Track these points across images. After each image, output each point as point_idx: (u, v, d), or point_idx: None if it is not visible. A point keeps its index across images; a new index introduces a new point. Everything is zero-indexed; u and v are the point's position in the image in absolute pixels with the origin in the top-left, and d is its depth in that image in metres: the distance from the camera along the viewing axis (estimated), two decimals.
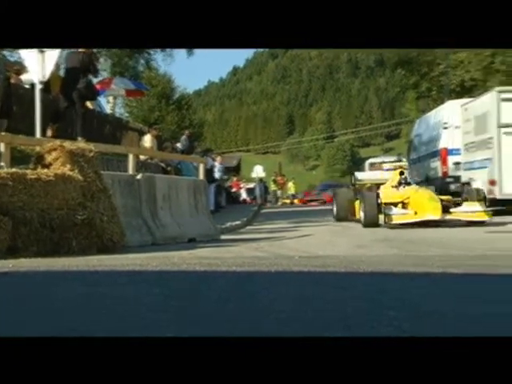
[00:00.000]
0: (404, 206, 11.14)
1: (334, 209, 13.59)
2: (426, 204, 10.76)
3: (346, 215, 12.92)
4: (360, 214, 11.47)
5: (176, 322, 2.12)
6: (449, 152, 16.27)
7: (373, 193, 11.78)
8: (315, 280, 3.48)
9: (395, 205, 11.07)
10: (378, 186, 13.26)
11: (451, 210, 10.89)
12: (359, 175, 15.33)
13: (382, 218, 10.75)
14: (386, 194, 11.61)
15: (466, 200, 11.27)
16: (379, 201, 11.06)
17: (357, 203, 12.24)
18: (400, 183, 12.06)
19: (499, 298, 2.73)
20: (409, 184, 12.22)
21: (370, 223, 10.79)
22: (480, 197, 11.42)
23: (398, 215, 10.72)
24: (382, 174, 15.31)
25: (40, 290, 3.09)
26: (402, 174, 12.36)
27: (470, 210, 10.80)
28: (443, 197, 11.62)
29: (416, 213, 10.65)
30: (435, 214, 10.51)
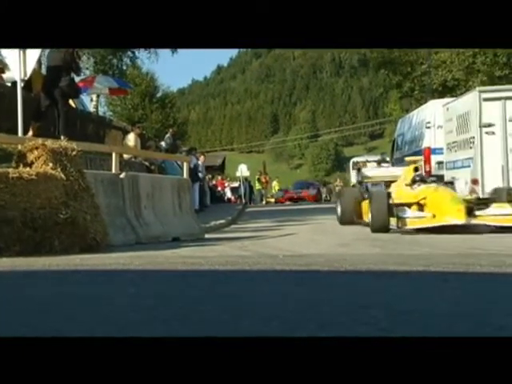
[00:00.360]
0: (420, 207, 9.52)
1: (338, 210, 11.84)
2: (446, 206, 9.14)
3: (351, 218, 11.26)
4: (368, 217, 9.88)
5: (153, 322, 2.12)
6: (432, 151, 16.36)
7: (383, 191, 10.04)
8: (297, 279, 3.49)
9: (409, 206, 9.47)
10: (388, 183, 11.42)
11: (477, 212, 9.23)
12: (367, 171, 13.46)
13: (393, 221, 9.25)
14: (399, 194, 9.96)
15: (494, 201, 9.53)
16: (390, 201, 9.44)
17: (364, 204, 10.62)
18: (414, 181, 10.32)
19: (480, 297, 2.75)
20: (425, 182, 10.41)
21: (380, 227, 9.23)
22: (511, 197, 9.57)
23: (413, 219, 9.15)
24: (394, 170, 13.12)
25: (19, 290, 3.07)
26: (416, 170, 10.73)
27: (499, 212, 9.16)
28: (466, 197, 10.05)
29: (435, 216, 9.11)
30: (458, 218, 8.90)
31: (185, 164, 10.88)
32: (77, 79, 11.95)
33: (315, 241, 8.47)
